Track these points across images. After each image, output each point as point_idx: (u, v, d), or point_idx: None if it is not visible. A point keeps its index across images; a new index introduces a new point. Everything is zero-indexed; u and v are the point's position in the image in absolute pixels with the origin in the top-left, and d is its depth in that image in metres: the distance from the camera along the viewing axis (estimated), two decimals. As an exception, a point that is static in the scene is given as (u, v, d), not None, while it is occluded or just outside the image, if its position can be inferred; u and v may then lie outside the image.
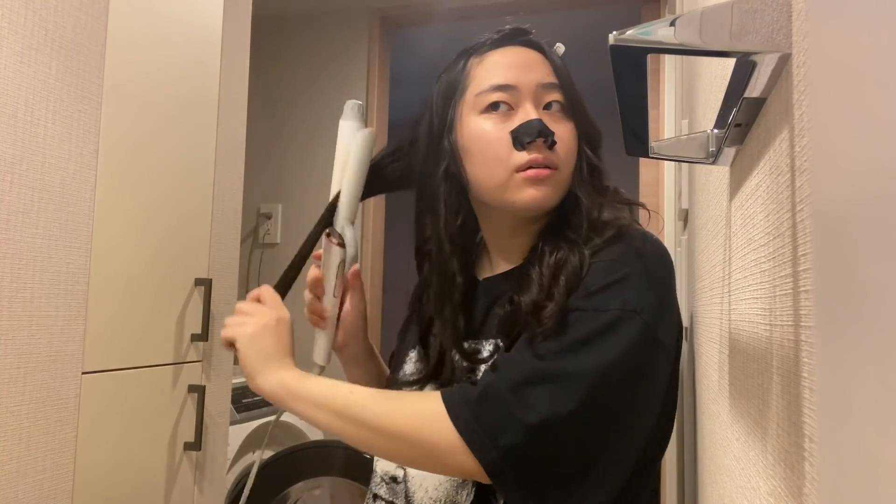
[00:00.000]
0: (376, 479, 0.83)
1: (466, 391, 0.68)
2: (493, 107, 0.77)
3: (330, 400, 0.72)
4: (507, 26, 0.82)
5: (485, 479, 0.66)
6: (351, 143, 0.89)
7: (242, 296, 2.85)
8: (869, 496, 0.18)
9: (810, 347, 0.27)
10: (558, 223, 0.77)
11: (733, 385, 0.48)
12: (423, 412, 0.68)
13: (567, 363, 0.66)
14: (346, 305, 0.90)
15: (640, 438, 0.69)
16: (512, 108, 0.77)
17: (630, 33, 0.34)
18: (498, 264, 0.84)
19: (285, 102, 2.53)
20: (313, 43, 2.53)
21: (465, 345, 0.79)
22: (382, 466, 0.83)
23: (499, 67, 0.78)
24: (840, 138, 0.22)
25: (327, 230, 0.87)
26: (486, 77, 0.78)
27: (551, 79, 0.78)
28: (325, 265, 0.87)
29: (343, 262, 0.86)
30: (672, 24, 0.33)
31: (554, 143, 0.74)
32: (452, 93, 0.81)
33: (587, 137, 0.79)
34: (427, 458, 0.69)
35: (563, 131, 0.76)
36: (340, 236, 0.85)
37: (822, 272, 0.25)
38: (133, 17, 1.17)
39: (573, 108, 0.78)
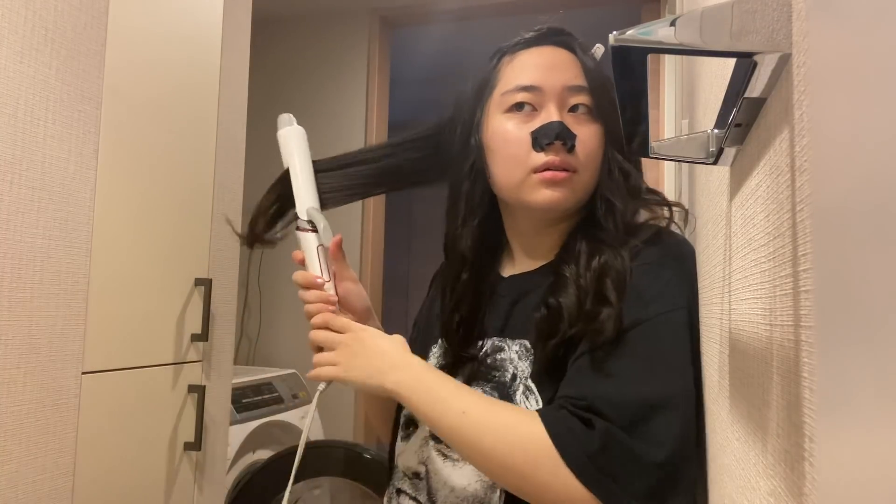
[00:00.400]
0: (398, 474, 0.82)
1: (582, 441, 0.63)
2: (518, 107, 0.77)
3: (442, 417, 0.69)
4: (544, 25, 0.82)
5: None
6: (283, 142, 0.90)
7: (242, 296, 2.83)
8: (869, 496, 0.18)
9: (810, 347, 0.27)
10: (589, 224, 0.77)
11: (733, 385, 0.48)
12: (538, 455, 0.64)
13: (668, 383, 0.65)
14: (343, 284, 0.87)
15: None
16: (536, 109, 0.77)
17: (630, 33, 0.34)
18: (522, 262, 0.84)
19: (285, 102, 2.52)
20: (313, 43, 2.53)
21: (492, 342, 0.79)
22: (404, 461, 0.82)
23: (526, 68, 0.79)
24: (840, 138, 0.22)
25: (296, 224, 0.87)
26: (513, 77, 0.79)
27: (579, 81, 0.77)
28: (307, 256, 0.87)
29: (321, 244, 0.86)
30: (672, 24, 0.33)
31: (573, 146, 0.74)
32: (482, 90, 0.82)
33: (617, 140, 0.77)
34: (542, 500, 0.66)
35: (586, 134, 0.76)
36: (309, 222, 0.87)
37: (822, 272, 0.25)
38: (133, 18, 1.17)
39: (602, 111, 0.77)
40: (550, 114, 0.76)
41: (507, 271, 0.86)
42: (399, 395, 0.72)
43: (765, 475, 0.36)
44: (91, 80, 1.08)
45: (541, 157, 0.75)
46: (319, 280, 0.84)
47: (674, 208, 0.81)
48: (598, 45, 0.81)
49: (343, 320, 0.80)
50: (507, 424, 0.67)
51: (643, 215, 0.80)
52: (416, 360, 0.75)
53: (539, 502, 0.67)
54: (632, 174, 0.78)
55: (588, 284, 0.71)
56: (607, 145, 0.78)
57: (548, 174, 0.74)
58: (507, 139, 0.77)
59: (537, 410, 0.68)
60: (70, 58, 1.04)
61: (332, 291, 0.84)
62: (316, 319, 0.81)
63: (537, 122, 0.76)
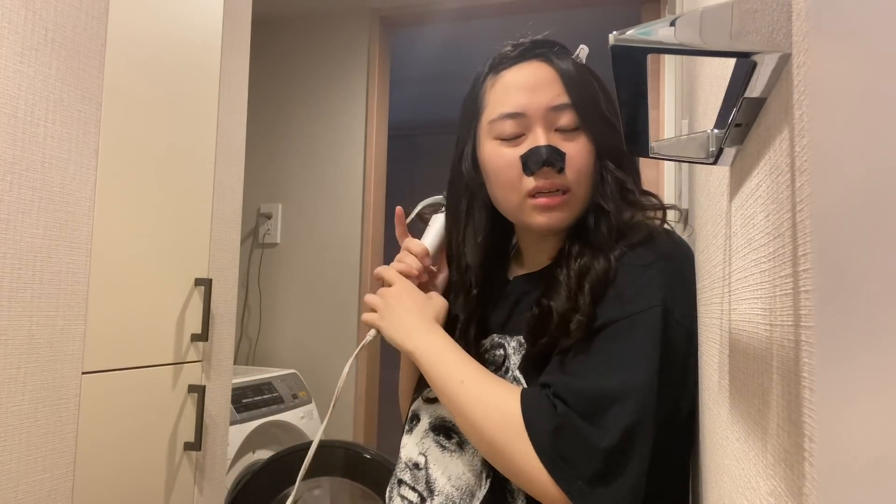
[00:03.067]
0: (400, 465, 0.85)
1: (546, 421, 0.68)
2: (506, 132, 0.80)
3: (446, 384, 0.75)
4: (527, 39, 0.83)
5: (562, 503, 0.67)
6: None
7: (242, 296, 2.84)
8: (869, 496, 0.18)
9: (810, 347, 0.27)
10: (584, 228, 0.79)
11: (733, 385, 0.48)
12: (510, 430, 0.69)
13: (628, 376, 0.67)
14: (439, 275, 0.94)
15: (675, 428, 0.73)
16: (524, 133, 0.79)
17: (630, 33, 0.34)
18: (528, 264, 0.88)
19: (285, 102, 2.53)
20: (313, 43, 2.53)
21: (491, 339, 0.84)
22: (406, 453, 0.85)
23: (510, 92, 0.80)
24: (840, 138, 0.22)
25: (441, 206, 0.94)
26: (498, 104, 0.80)
27: (562, 99, 0.78)
28: (431, 231, 0.93)
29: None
30: (672, 24, 0.33)
31: (562, 167, 0.76)
32: (472, 114, 0.84)
33: (608, 149, 0.79)
34: (512, 475, 0.71)
35: (575, 150, 0.77)
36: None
37: (822, 272, 0.25)
38: (133, 17, 1.17)
39: (589, 124, 0.78)
40: (538, 137, 0.77)
41: (515, 272, 0.90)
42: (415, 357, 0.78)
43: (765, 475, 0.36)
44: (91, 80, 1.08)
45: (532, 182, 0.77)
46: (426, 255, 0.89)
47: (668, 210, 0.82)
48: (582, 46, 0.82)
49: (392, 272, 0.86)
50: (495, 399, 0.72)
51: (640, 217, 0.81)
52: (439, 329, 0.81)
53: (512, 478, 0.71)
54: (625, 181, 0.79)
55: (573, 287, 0.74)
56: (598, 155, 0.79)
57: (541, 200, 0.77)
58: (499, 165, 0.80)
59: (522, 389, 0.73)
60: (70, 58, 1.04)
61: (426, 264, 0.89)
62: (382, 272, 0.87)
63: (526, 146, 0.78)
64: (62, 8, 1.02)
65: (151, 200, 1.22)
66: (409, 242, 0.90)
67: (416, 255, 0.88)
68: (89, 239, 1.08)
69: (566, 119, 0.78)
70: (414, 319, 0.81)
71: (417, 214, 0.96)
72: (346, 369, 0.88)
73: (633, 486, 0.65)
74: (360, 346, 0.90)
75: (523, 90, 0.79)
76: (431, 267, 0.91)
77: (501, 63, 0.82)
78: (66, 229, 1.03)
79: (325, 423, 0.86)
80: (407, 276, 0.86)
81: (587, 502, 0.65)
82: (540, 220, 0.78)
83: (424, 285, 0.90)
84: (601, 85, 0.81)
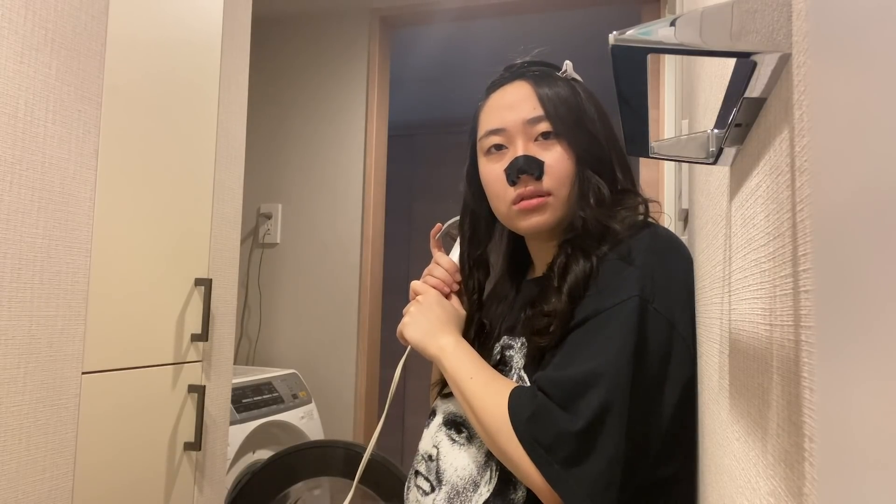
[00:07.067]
0: (417, 457, 0.90)
1: (526, 408, 0.73)
2: (495, 148, 0.87)
3: (458, 381, 0.80)
4: (514, 64, 0.91)
5: (546, 490, 0.70)
6: None
7: (242, 296, 2.83)
8: (869, 496, 0.18)
9: (810, 347, 0.27)
10: (574, 234, 0.83)
11: (733, 385, 0.48)
12: (500, 419, 0.74)
13: (601, 363, 0.71)
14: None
15: (665, 411, 0.74)
16: (507, 147, 0.86)
17: (630, 33, 0.34)
18: (538, 268, 0.94)
19: (285, 102, 2.53)
20: (313, 43, 2.53)
21: (503, 341, 0.89)
22: (423, 445, 0.90)
23: (491, 112, 0.88)
24: (840, 138, 0.22)
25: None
26: (484, 123, 0.89)
27: (536, 112, 0.84)
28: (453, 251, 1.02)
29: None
30: (672, 24, 0.33)
31: (540, 174, 0.82)
32: (471, 136, 0.93)
33: (586, 155, 0.84)
34: (506, 463, 0.75)
35: (554, 158, 0.83)
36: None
37: (822, 272, 0.25)
38: (133, 17, 1.17)
39: (565, 132, 0.84)
40: (517, 149, 0.84)
41: (528, 277, 0.97)
42: (437, 358, 0.84)
43: (765, 475, 0.36)
44: (91, 80, 1.08)
45: (514, 191, 0.84)
46: (455, 269, 0.98)
47: (651, 204, 0.86)
48: (567, 61, 0.89)
49: (423, 286, 0.95)
50: (494, 393, 0.77)
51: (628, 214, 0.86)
52: (459, 335, 0.88)
53: (507, 465, 0.75)
54: (602, 185, 0.84)
55: (555, 288, 0.80)
56: (578, 161, 0.84)
57: (522, 204, 0.84)
58: (489, 179, 0.88)
59: (516, 384, 0.79)
60: (70, 58, 1.04)
61: (455, 278, 0.98)
62: (416, 286, 0.97)
63: (508, 159, 0.85)
64: (62, 8, 1.02)
65: (151, 201, 1.22)
66: (440, 257, 0.99)
67: (444, 269, 0.97)
68: (89, 239, 1.08)
69: (543, 129, 0.84)
70: (441, 326, 0.88)
71: (446, 231, 1.03)
72: (396, 378, 0.96)
73: (608, 465, 0.68)
74: (403, 357, 0.96)
75: (503, 108, 0.87)
76: (457, 281, 0.99)
77: (491, 87, 0.91)
78: (66, 229, 1.03)
79: (378, 430, 0.98)
80: (437, 289, 0.95)
81: (564, 484, 0.69)
82: (523, 223, 0.85)
83: (454, 296, 0.98)
84: (588, 95, 0.88)
